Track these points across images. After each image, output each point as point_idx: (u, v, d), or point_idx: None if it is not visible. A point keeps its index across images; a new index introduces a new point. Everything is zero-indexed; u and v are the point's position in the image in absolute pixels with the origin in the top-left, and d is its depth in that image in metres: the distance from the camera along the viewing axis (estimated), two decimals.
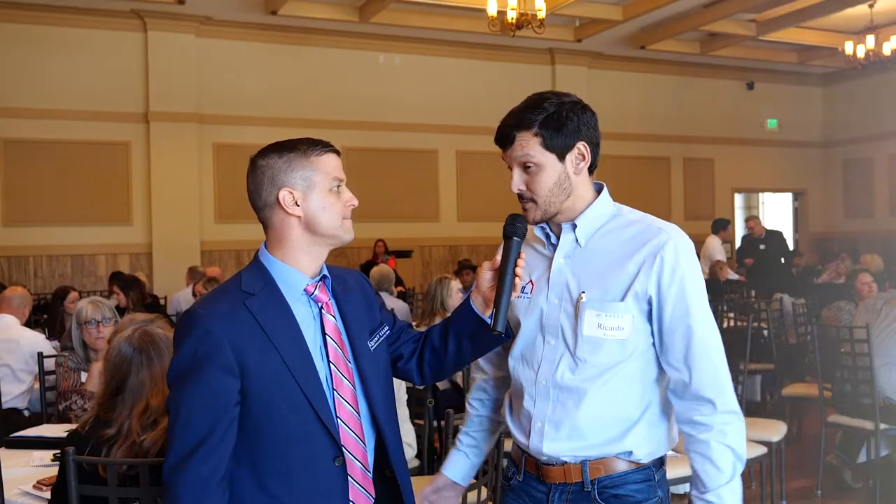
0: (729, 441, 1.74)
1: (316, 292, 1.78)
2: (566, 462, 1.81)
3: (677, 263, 1.75)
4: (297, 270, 1.76)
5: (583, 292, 1.79)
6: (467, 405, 2.11)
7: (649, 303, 1.77)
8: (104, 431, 2.24)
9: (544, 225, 1.88)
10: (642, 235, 1.80)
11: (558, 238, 1.87)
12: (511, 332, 1.88)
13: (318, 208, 1.74)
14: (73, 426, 3.42)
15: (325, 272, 1.82)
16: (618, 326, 1.76)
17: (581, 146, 1.82)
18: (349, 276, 1.92)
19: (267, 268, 1.77)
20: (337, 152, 1.80)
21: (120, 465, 2.16)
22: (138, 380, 2.27)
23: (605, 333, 1.76)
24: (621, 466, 1.79)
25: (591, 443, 1.78)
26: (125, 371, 2.29)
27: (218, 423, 1.64)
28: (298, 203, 1.73)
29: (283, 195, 1.73)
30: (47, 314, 6.88)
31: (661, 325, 1.78)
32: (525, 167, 1.82)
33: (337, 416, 1.73)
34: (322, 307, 1.78)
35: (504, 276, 1.76)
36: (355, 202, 1.80)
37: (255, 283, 1.74)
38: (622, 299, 1.76)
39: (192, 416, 1.64)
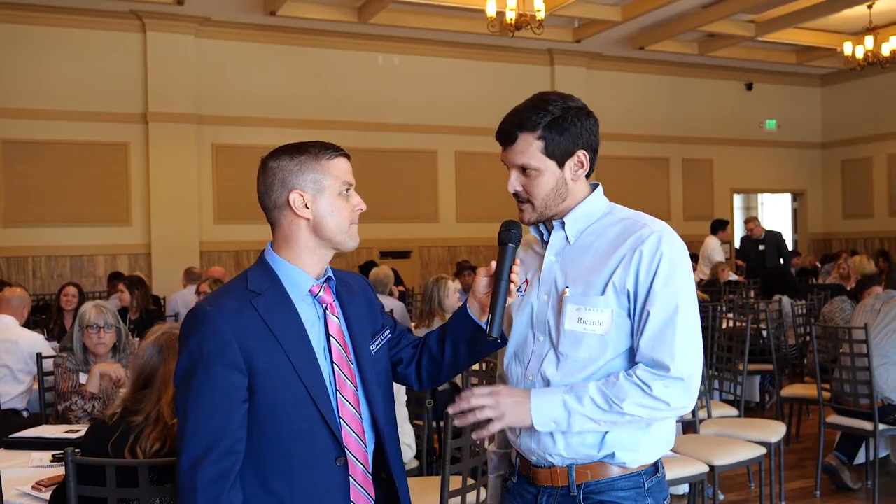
0: (651, 392, 1.71)
1: (321, 293, 1.79)
2: (554, 465, 1.81)
3: (656, 256, 1.74)
4: (303, 271, 1.78)
5: (566, 287, 1.80)
6: None
7: (628, 298, 1.76)
8: (133, 418, 2.33)
9: (539, 225, 1.90)
10: (626, 231, 1.80)
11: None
12: (506, 339, 1.90)
13: (327, 212, 1.76)
14: (72, 427, 3.44)
15: (330, 274, 1.84)
16: (597, 321, 1.76)
17: (581, 154, 1.83)
18: (352, 280, 1.94)
19: (273, 268, 1.78)
20: (347, 156, 1.82)
21: (150, 448, 2.27)
22: (166, 371, 2.34)
23: (585, 328, 1.77)
24: (609, 472, 1.79)
25: (571, 443, 1.78)
26: (152, 368, 2.39)
27: (229, 421, 1.65)
28: (308, 206, 1.75)
29: (294, 197, 1.74)
30: (45, 310, 6.85)
31: (636, 312, 1.76)
32: (523, 170, 1.83)
33: (339, 417, 1.75)
34: (326, 308, 1.80)
35: (499, 282, 1.77)
36: (363, 207, 1.81)
37: (261, 282, 1.75)
38: (602, 293, 1.76)
39: (203, 415, 1.64)
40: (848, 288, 8.04)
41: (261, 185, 1.79)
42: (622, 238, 1.79)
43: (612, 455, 1.77)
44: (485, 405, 1.73)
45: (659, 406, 1.71)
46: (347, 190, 1.79)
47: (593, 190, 1.89)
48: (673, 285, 1.74)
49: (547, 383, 1.80)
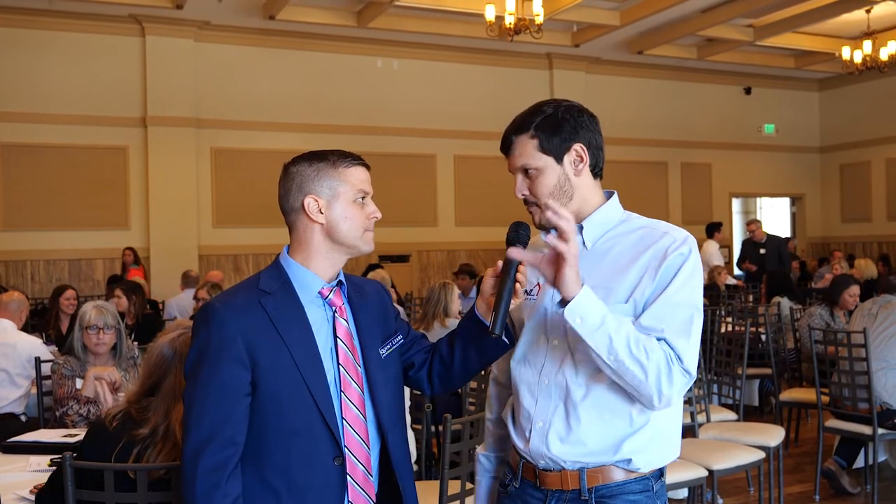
0: (672, 369, 1.65)
1: (330, 296, 1.84)
2: (564, 468, 1.80)
3: (679, 268, 1.74)
4: (314, 274, 1.83)
5: None
6: (487, 423, 2.09)
7: (647, 302, 1.75)
8: (137, 430, 2.22)
9: (553, 230, 1.89)
10: (646, 240, 1.80)
11: None
12: (514, 339, 1.90)
13: (341, 218, 1.81)
14: (70, 431, 3.43)
15: (342, 278, 1.88)
16: None
17: (578, 147, 1.83)
18: (367, 286, 1.99)
19: (285, 269, 1.84)
20: (366, 166, 1.88)
21: (155, 469, 2.15)
22: (177, 381, 2.25)
23: None
24: (619, 475, 1.78)
25: (590, 449, 1.77)
26: (163, 371, 2.30)
27: (231, 413, 1.71)
28: (322, 211, 1.81)
29: (309, 202, 1.80)
30: (43, 313, 6.84)
31: (652, 297, 1.74)
32: (525, 172, 1.84)
33: (342, 418, 1.78)
34: (336, 311, 1.84)
35: (505, 281, 1.77)
36: (378, 215, 1.87)
37: (272, 283, 1.81)
38: (626, 302, 1.76)
39: (206, 407, 1.71)
40: None
41: (281, 188, 1.85)
42: (643, 246, 1.78)
43: (629, 461, 1.77)
44: (567, 229, 1.63)
45: (662, 384, 1.66)
46: (363, 198, 1.84)
47: (608, 197, 1.89)
48: (691, 286, 1.74)
49: (564, 388, 1.79)
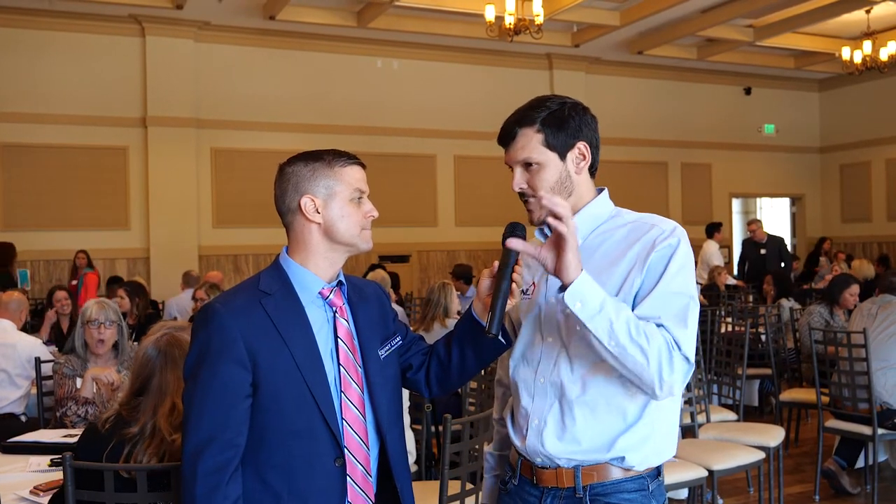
0: (672, 355, 1.65)
1: (331, 296, 1.84)
2: (560, 466, 1.81)
3: (669, 259, 1.74)
4: (314, 274, 1.83)
5: None
6: (493, 422, 2.11)
7: (638, 293, 1.75)
8: (127, 430, 2.26)
9: (544, 227, 1.89)
10: (635, 233, 1.80)
11: None
12: (511, 339, 1.91)
13: (338, 217, 1.81)
14: (70, 431, 3.43)
15: (342, 278, 1.88)
16: None
17: (582, 146, 1.84)
18: (367, 286, 1.99)
19: (285, 270, 1.84)
20: (362, 165, 1.87)
21: (147, 463, 2.19)
22: (162, 380, 2.30)
23: None
24: (615, 474, 1.78)
25: (584, 447, 1.78)
26: (149, 371, 2.33)
27: (231, 415, 1.71)
28: (319, 210, 1.81)
29: (305, 202, 1.80)
30: (42, 314, 6.85)
31: (644, 287, 1.74)
32: (526, 166, 1.83)
33: (342, 418, 1.78)
34: (336, 311, 1.84)
35: (501, 281, 1.77)
36: (375, 214, 1.86)
37: (272, 283, 1.81)
38: (616, 295, 1.75)
39: (206, 408, 1.70)
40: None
41: (277, 189, 1.85)
42: (632, 239, 1.79)
43: (622, 459, 1.77)
44: (564, 214, 1.63)
45: (664, 370, 1.64)
46: (360, 197, 1.84)
47: (599, 193, 1.90)
48: (684, 275, 1.74)
49: (559, 386, 1.79)
